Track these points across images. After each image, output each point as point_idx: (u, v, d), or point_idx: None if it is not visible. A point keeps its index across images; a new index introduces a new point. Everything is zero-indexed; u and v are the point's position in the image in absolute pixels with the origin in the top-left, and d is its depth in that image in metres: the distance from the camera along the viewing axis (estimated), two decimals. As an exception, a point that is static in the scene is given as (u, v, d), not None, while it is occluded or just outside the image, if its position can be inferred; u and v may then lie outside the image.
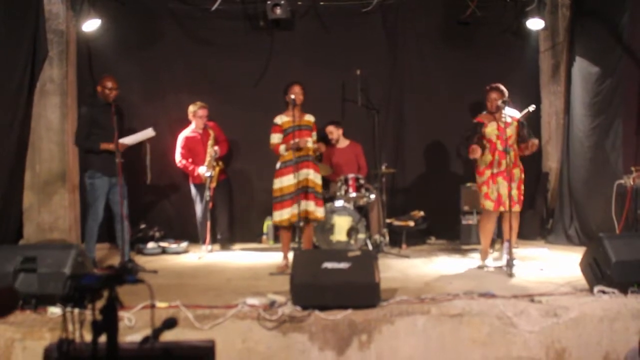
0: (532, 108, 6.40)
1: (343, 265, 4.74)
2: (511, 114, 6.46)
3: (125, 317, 4.42)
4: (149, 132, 6.61)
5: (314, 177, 6.43)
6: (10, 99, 7.00)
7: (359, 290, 4.66)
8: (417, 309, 4.63)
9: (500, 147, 6.23)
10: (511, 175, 6.18)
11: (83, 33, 7.88)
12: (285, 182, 6.36)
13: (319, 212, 6.48)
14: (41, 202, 7.77)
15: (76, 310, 2.21)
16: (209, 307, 4.67)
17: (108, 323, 2.06)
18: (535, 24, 8.14)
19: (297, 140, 6.29)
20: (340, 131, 8.13)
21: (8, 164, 6.96)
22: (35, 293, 4.58)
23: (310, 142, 6.44)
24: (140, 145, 6.82)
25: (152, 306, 2.28)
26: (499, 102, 6.23)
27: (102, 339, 2.16)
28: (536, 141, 6.33)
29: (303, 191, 6.33)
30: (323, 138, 7.82)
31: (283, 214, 6.36)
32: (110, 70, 7.14)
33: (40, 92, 7.71)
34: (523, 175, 6.40)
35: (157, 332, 2.21)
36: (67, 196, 7.87)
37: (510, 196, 6.11)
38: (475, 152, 6.22)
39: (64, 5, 7.80)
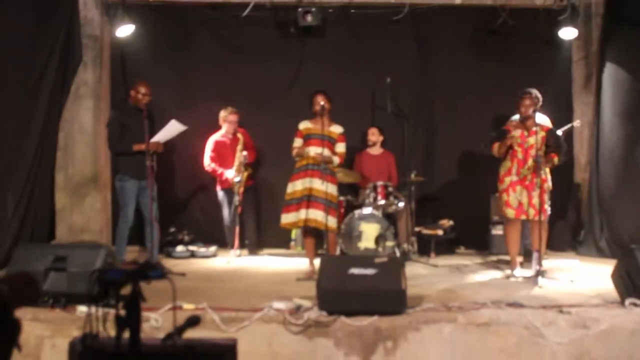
0: (577, 124, 6.29)
1: (369, 271, 4.72)
2: (542, 121, 6.38)
3: (152, 318, 4.46)
4: (174, 125, 6.60)
5: (320, 186, 6.30)
6: (24, 99, 7.01)
7: (385, 296, 4.64)
8: (443, 317, 4.59)
9: (520, 155, 6.16)
10: (532, 184, 6.11)
11: (117, 38, 8.01)
12: (293, 187, 6.42)
13: (331, 221, 6.34)
14: (73, 204, 7.90)
15: (102, 308, 2.24)
16: (235, 309, 4.68)
17: (131, 318, 2.08)
18: (568, 33, 8.05)
19: (308, 149, 6.33)
20: (381, 138, 8.15)
21: (29, 163, 7.00)
22: (64, 292, 4.65)
23: (326, 152, 6.34)
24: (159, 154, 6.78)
25: (174, 301, 2.29)
26: (530, 111, 6.16)
27: (127, 334, 2.19)
28: (554, 160, 6.22)
29: (307, 199, 6.30)
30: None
31: (287, 218, 6.42)
32: (143, 75, 7.24)
33: (74, 95, 7.85)
34: (546, 185, 6.26)
35: (180, 329, 2.23)
36: (99, 198, 7.98)
37: (532, 205, 6.02)
38: (502, 147, 6.15)
39: (98, 11, 7.94)
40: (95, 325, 2.18)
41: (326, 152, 6.33)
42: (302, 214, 6.31)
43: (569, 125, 6.69)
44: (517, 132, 6.25)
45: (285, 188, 8.26)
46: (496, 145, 6.25)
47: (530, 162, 6.15)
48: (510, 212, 6.22)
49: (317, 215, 6.30)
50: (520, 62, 8.33)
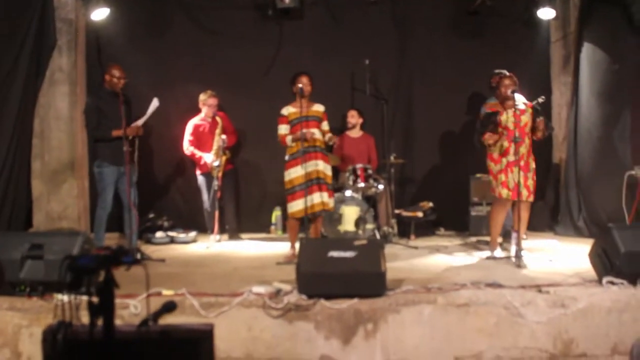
0: (541, 99, 6.33)
1: (349, 254, 4.71)
2: (522, 101, 6.41)
3: (131, 305, 4.43)
4: (154, 104, 6.54)
5: (323, 168, 6.38)
6: (1, 85, 6.88)
7: (364, 279, 4.63)
8: (423, 299, 4.60)
9: (517, 135, 6.14)
10: (527, 165, 6.14)
11: (92, 22, 7.89)
12: (293, 174, 6.32)
13: (330, 202, 6.47)
14: (50, 191, 7.81)
15: (80, 296, 2.20)
16: (215, 295, 4.65)
17: (104, 305, 2.05)
18: (546, 13, 8.05)
19: (304, 131, 6.25)
20: (360, 121, 8.15)
21: (4, 151, 6.89)
22: (41, 280, 4.58)
23: (317, 133, 6.38)
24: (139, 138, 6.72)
25: (147, 287, 2.26)
26: (509, 91, 6.16)
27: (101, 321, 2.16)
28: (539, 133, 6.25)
29: (316, 183, 6.29)
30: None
31: (295, 206, 6.30)
32: (119, 59, 7.14)
33: (49, 81, 7.74)
34: (534, 166, 6.35)
35: (156, 315, 2.20)
36: (76, 185, 7.91)
37: (526, 186, 6.06)
38: (491, 138, 6.16)
39: (72, -7, 7.82)
40: (68, 313, 2.15)
41: (317, 133, 6.35)
42: (313, 198, 6.23)
43: (534, 102, 6.71)
44: (508, 114, 6.23)
45: (266, 172, 8.34)
46: (487, 136, 6.24)
47: (527, 140, 6.17)
48: (506, 193, 6.20)
49: (323, 197, 6.31)
50: (499, 42, 8.35)
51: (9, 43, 6.99)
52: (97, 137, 6.71)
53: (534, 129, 6.24)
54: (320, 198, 6.30)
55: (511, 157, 6.19)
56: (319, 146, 6.39)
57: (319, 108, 6.48)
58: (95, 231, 6.71)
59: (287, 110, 6.42)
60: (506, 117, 6.22)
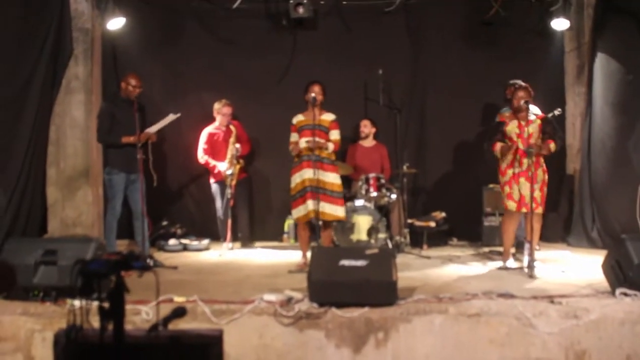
0: (557, 112, 6.33)
1: (360, 262, 4.72)
2: (536, 112, 6.39)
3: (143, 311, 4.45)
4: (170, 117, 6.64)
5: (323, 176, 6.37)
6: (16, 93, 6.91)
7: (376, 288, 4.63)
8: (434, 308, 4.59)
9: (521, 146, 6.15)
10: (534, 176, 6.10)
11: (108, 31, 7.98)
12: (292, 182, 6.47)
13: (336, 211, 6.43)
14: (65, 197, 7.87)
15: (91, 301, 2.23)
16: (226, 302, 4.68)
17: (115, 309, 2.07)
18: (560, 24, 8.03)
19: (314, 139, 6.28)
20: (373, 130, 8.16)
21: (21, 158, 6.91)
22: (55, 285, 4.63)
23: (303, 142, 6.37)
24: (152, 145, 6.81)
25: (157, 292, 2.28)
26: (522, 102, 6.15)
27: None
28: (551, 146, 6.19)
29: (313, 190, 6.29)
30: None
31: (298, 212, 6.44)
32: (134, 68, 7.22)
33: (65, 89, 7.81)
34: (546, 177, 6.31)
35: (166, 320, 2.22)
36: (91, 192, 7.96)
37: (533, 197, 6.02)
38: (507, 149, 6.14)
39: (89, 3, 7.90)
40: (79, 318, 2.18)
41: (316, 139, 6.34)
42: (310, 205, 6.29)
43: (549, 115, 6.71)
44: (513, 124, 6.23)
45: (280, 180, 8.36)
46: (498, 146, 6.23)
47: (533, 152, 6.15)
48: (512, 205, 6.19)
49: (322, 207, 6.30)
50: (512, 53, 8.31)
51: (26, 53, 7.06)
52: (108, 143, 6.78)
53: (543, 139, 6.19)
54: (313, 206, 6.26)
55: (516, 169, 6.18)
56: (316, 155, 6.35)
57: (327, 117, 6.50)
58: (106, 237, 6.77)
59: (296, 119, 6.51)
60: (511, 128, 6.21)
